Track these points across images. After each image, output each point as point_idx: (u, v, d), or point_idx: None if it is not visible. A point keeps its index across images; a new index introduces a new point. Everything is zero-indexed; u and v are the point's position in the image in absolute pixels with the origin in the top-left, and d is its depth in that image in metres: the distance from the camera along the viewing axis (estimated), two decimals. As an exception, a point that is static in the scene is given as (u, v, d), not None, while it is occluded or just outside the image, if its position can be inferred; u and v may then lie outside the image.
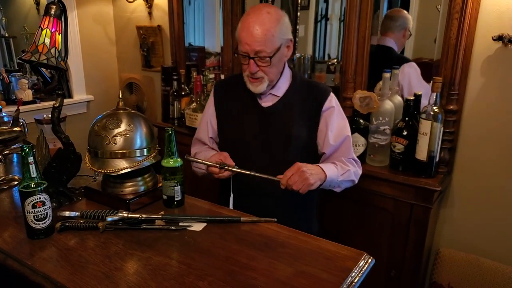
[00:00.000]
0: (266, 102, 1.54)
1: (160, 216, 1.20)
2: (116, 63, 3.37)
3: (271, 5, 1.45)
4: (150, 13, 3.01)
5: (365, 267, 1.00)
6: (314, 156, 1.56)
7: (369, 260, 1.02)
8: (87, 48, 3.11)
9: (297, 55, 2.68)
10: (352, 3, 1.96)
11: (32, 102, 2.83)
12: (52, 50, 1.20)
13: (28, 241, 1.11)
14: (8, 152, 1.42)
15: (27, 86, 2.82)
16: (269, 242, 1.10)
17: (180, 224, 1.20)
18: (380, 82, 1.95)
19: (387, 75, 1.89)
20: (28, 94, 2.82)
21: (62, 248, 1.07)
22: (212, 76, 2.70)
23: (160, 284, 0.92)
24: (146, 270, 0.98)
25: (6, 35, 4.24)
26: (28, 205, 1.07)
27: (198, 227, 1.19)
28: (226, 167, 1.38)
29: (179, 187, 1.30)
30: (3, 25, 4.24)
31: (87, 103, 3.19)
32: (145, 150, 1.30)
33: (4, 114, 1.86)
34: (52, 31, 1.21)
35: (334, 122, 1.52)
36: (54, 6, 1.22)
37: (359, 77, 2.06)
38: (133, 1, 2.99)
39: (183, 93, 2.69)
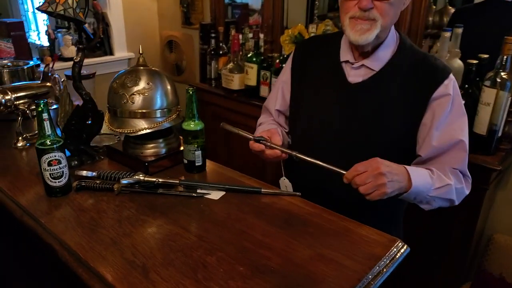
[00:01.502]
0: (355, 77, 1.15)
1: (178, 182, 1.13)
2: (157, 20, 3.29)
3: None
4: (191, -33, 2.86)
5: (397, 256, 0.87)
6: (410, 159, 1.15)
7: (403, 249, 0.89)
8: (128, 4, 3.04)
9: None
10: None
11: (75, 58, 2.85)
12: (70, 1, 1.12)
13: (46, 199, 1.09)
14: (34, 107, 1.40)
15: (71, 42, 2.84)
16: (290, 218, 1.00)
17: (198, 191, 1.12)
18: (438, 43, 1.71)
19: (446, 34, 1.65)
20: (71, 51, 2.84)
21: (76, 208, 1.04)
22: (251, 35, 2.54)
23: (166, 256, 0.86)
24: (154, 239, 0.92)
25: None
26: (44, 163, 1.04)
27: (216, 195, 1.11)
28: (262, 141, 1.11)
29: (200, 151, 1.21)
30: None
31: (128, 60, 3.17)
32: (166, 110, 1.22)
33: (41, 69, 1.86)
34: (70, -21, 1.13)
35: (445, 117, 1.09)
36: (71, -47, 1.13)
37: (414, 37, 1.82)
38: (174, -46, 2.85)
39: (221, 52, 2.57)
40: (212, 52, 2.57)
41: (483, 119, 1.53)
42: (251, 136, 1.13)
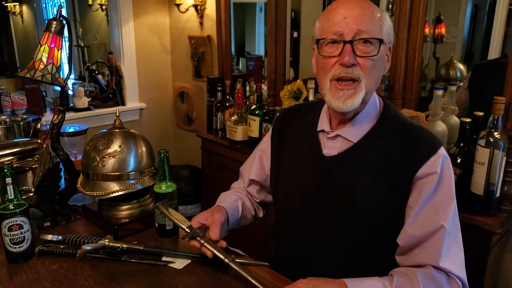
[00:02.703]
0: (330, 149, 1.04)
1: (142, 248, 1.10)
2: (171, 71, 3.41)
3: None
4: (201, 23, 2.99)
5: None
6: (390, 244, 0.98)
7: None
8: (142, 57, 3.19)
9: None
10: (401, 10, 1.70)
11: (87, 109, 2.96)
12: (49, 67, 1.17)
13: (5, 265, 1.07)
14: (17, 165, 1.42)
15: (83, 93, 2.97)
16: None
17: (163, 258, 1.08)
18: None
19: (439, 92, 1.60)
20: (84, 102, 2.96)
21: (32, 277, 1.02)
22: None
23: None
24: (100, 315, 0.88)
25: (82, 44, 4.58)
26: (4, 228, 1.04)
27: (180, 263, 1.06)
28: (197, 238, 1.01)
29: (171, 215, 1.18)
30: (80, 35, 4.59)
31: (139, 110, 3.27)
32: (138, 172, 1.21)
33: (43, 122, 1.93)
34: (51, 47, 1.18)
35: (428, 199, 0.93)
36: (55, 22, 1.19)
37: (409, 94, 1.79)
38: (185, 11, 2.99)
39: (227, 104, 2.61)
40: (218, 104, 2.62)
41: (479, 178, 1.45)
42: (186, 229, 1.04)
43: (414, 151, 0.96)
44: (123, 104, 3.18)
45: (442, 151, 0.97)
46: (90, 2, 4.38)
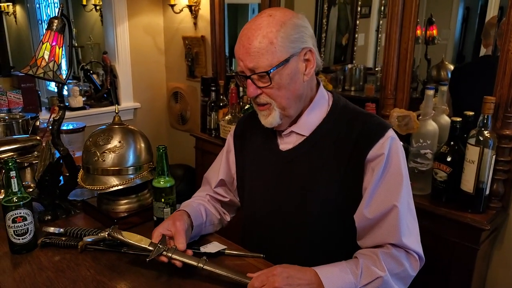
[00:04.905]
0: (286, 144, 1.12)
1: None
2: (165, 72, 3.44)
3: (282, 8, 1.04)
4: (195, 24, 3.02)
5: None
6: (352, 227, 1.05)
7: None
8: (136, 57, 3.21)
9: (349, 66, 2.51)
10: (393, 11, 1.76)
11: (82, 108, 2.98)
12: (51, 64, 1.19)
13: (9, 256, 1.09)
14: (19, 161, 1.44)
15: (78, 93, 2.98)
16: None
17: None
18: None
19: (430, 92, 1.65)
20: (78, 101, 2.97)
21: (35, 267, 1.04)
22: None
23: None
24: (103, 303, 0.91)
25: (76, 45, 4.58)
26: (9, 220, 1.06)
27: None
28: (163, 253, 0.99)
29: (169, 209, 1.21)
30: (74, 36, 4.59)
31: (133, 110, 3.28)
32: (137, 167, 1.24)
33: (41, 120, 1.94)
34: (53, 45, 1.21)
35: (378, 180, 1.00)
36: (56, 21, 1.22)
37: (400, 93, 1.84)
38: (179, 12, 3.02)
39: (221, 104, 2.65)
40: (212, 104, 2.65)
41: (469, 176, 1.50)
42: (149, 248, 1.01)
43: (365, 136, 1.03)
44: (117, 103, 3.19)
45: (390, 133, 1.03)
46: (84, 3, 4.38)
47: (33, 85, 2.69)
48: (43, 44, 1.21)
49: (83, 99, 3.07)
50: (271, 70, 0.98)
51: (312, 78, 1.07)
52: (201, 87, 2.81)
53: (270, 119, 1.04)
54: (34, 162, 1.50)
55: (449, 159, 1.56)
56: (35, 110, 2.67)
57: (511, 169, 1.57)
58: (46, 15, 5.59)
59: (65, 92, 3.05)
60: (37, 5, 5.67)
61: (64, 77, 1.24)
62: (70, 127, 1.74)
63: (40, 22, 5.73)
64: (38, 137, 1.60)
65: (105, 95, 3.13)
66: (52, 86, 5.27)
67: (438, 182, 1.61)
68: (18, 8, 6.13)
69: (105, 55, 3.10)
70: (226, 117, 2.48)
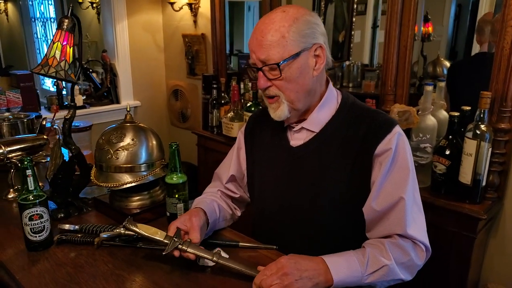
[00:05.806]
0: (297, 140, 1.15)
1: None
2: (164, 70, 3.45)
3: (295, 5, 1.08)
4: (195, 22, 3.04)
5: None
6: (361, 221, 1.09)
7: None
8: (136, 55, 3.22)
9: (346, 62, 2.55)
10: (392, 9, 1.80)
11: (82, 107, 2.98)
12: (62, 63, 1.22)
13: (26, 253, 1.12)
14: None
15: (78, 92, 2.98)
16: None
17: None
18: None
19: (429, 88, 1.70)
20: (79, 100, 2.98)
21: (53, 263, 1.07)
22: (251, 85, 2.65)
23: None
24: (124, 296, 0.94)
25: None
26: (25, 218, 1.09)
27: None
28: (178, 246, 1.00)
29: (182, 204, 1.25)
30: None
31: (133, 108, 3.30)
32: (150, 164, 1.27)
33: (49, 119, 1.95)
34: (63, 44, 1.23)
35: (386, 174, 1.03)
36: (67, 20, 1.24)
37: (400, 89, 1.89)
38: (179, 10, 3.04)
39: (222, 102, 2.67)
40: (214, 102, 2.67)
41: (467, 168, 1.55)
42: (165, 241, 1.03)
43: (372, 132, 1.06)
44: (117, 102, 3.21)
45: (397, 129, 1.07)
46: (80, 0, 4.36)
47: (32, 84, 2.69)
48: (54, 43, 1.23)
49: (83, 98, 3.07)
50: (282, 63, 1.02)
51: (322, 74, 1.10)
52: (203, 85, 2.83)
53: (278, 112, 1.08)
54: (43, 161, 1.52)
55: (447, 152, 1.61)
56: (35, 110, 2.67)
57: (506, 161, 1.63)
58: (39, 13, 5.55)
59: (64, 92, 3.06)
60: (30, 2, 5.62)
61: (74, 76, 1.26)
62: (78, 125, 1.76)
63: (33, 19, 5.68)
64: (45, 136, 1.63)
65: (105, 94, 3.14)
66: (48, 85, 5.25)
67: (437, 175, 1.66)
68: (9, 5, 6.06)
69: (105, 53, 3.11)
70: (228, 115, 2.51)
